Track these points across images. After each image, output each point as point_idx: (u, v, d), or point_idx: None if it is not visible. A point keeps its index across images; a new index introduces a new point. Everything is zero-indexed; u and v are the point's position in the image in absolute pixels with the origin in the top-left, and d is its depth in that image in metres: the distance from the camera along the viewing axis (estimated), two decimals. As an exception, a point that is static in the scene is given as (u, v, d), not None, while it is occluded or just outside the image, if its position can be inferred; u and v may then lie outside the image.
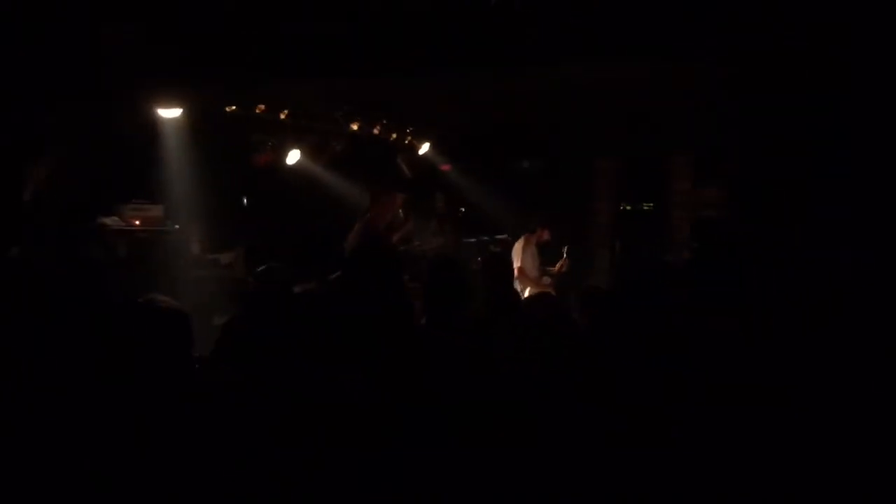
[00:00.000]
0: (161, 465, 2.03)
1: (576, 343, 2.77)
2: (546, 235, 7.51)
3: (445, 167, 9.94)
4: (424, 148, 9.64)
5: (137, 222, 6.39)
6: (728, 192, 8.29)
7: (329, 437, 2.22)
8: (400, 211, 6.90)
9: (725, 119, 7.25)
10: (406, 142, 9.45)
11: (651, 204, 9.56)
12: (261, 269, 4.51)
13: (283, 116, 7.51)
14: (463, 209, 8.61)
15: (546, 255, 7.62)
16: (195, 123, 6.84)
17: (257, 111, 7.23)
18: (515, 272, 7.28)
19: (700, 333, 3.08)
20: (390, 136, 8.96)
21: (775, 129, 6.43)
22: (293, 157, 7.81)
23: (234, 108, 7.10)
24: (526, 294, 7.21)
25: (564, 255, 7.56)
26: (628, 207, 9.70)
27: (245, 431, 2.39)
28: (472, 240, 8.85)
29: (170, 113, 6.31)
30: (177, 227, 6.57)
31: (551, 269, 7.60)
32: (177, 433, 2.08)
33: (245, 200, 7.91)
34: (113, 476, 1.98)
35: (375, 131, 8.73)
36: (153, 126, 6.75)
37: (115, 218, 6.34)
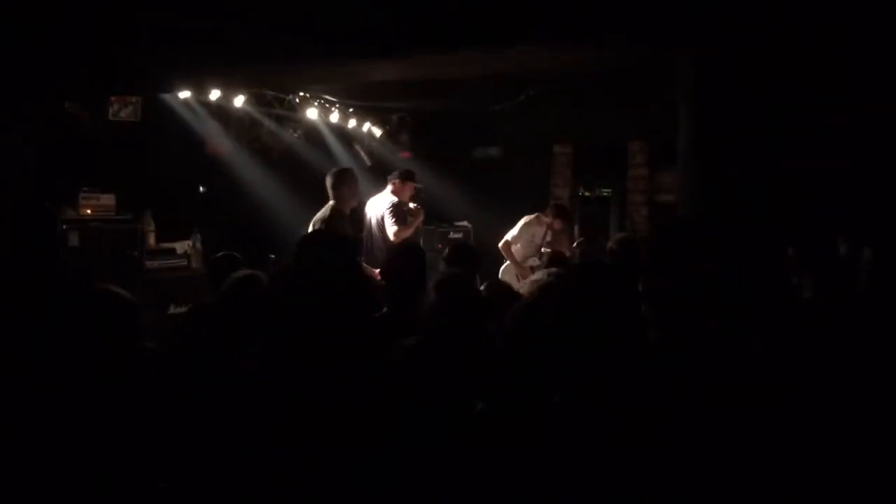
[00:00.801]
0: (107, 454, 1.99)
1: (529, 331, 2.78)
2: (557, 225, 7.33)
3: (404, 154, 9.91)
4: (382, 135, 9.61)
5: (89, 211, 6.25)
6: (684, 178, 8.38)
7: (284, 423, 2.20)
8: (411, 203, 6.68)
9: (682, 105, 7.33)
10: (364, 129, 9.40)
11: (609, 189, 9.63)
12: (218, 255, 4.45)
13: (238, 104, 7.42)
14: (421, 196, 8.57)
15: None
16: (148, 110, 6.73)
17: (211, 98, 7.13)
18: (501, 242, 7.26)
19: (657, 320, 3.11)
20: (348, 122, 8.91)
21: (731, 114, 6.51)
22: (248, 144, 7.73)
23: (187, 94, 6.99)
24: (502, 270, 7.22)
25: (575, 245, 7.40)
26: (587, 193, 9.76)
27: (199, 420, 2.36)
28: (431, 227, 8.84)
29: (123, 99, 6.19)
30: (130, 215, 6.45)
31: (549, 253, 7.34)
32: (121, 423, 2.05)
33: (201, 189, 7.80)
34: (59, 464, 1.95)
35: (333, 118, 8.67)
36: (105, 113, 6.64)
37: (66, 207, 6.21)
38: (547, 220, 7.29)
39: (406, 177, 6.68)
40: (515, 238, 7.23)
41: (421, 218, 6.68)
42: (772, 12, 5.43)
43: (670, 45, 6.13)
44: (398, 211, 6.47)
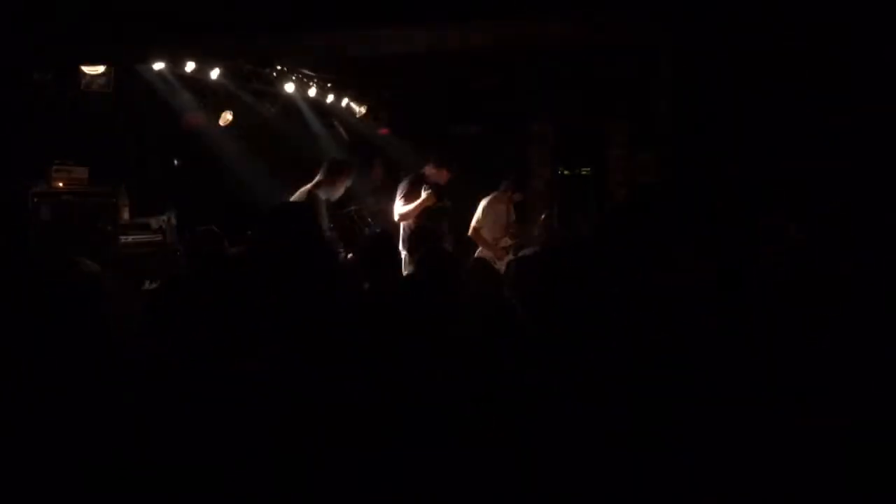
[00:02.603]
0: (74, 431, 1.96)
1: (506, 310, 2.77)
2: (517, 197, 7.33)
3: (383, 131, 9.82)
4: (361, 111, 9.50)
5: (61, 184, 6.14)
6: (663, 158, 8.39)
7: (257, 399, 2.17)
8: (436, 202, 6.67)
9: (661, 85, 7.31)
10: (343, 105, 9.29)
11: (588, 169, 9.62)
12: (196, 231, 4.40)
13: (213, 76, 7.29)
14: (407, 177, 8.50)
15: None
16: (121, 81, 6.60)
17: (187, 70, 6.99)
18: (470, 231, 7.23)
19: (628, 298, 3.10)
20: (326, 98, 8.80)
21: (709, 96, 6.51)
22: (225, 119, 7.61)
23: (162, 66, 6.85)
24: (477, 253, 7.19)
25: (542, 218, 7.39)
26: (566, 172, 9.74)
27: (173, 397, 2.33)
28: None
29: (93, 69, 6.05)
30: (103, 189, 6.34)
31: (525, 230, 7.35)
32: (88, 400, 2.01)
33: (176, 162, 7.68)
34: (27, 443, 1.91)
35: (311, 93, 8.56)
36: (77, 83, 6.50)
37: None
38: (505, 196, 7.28)
39: (441, 163, 6.68)
40: (480, 221, 7.21)
41: (423, 201, 6.52)
42: (754, 3, 5.43)
43: (650, 26, 6.11)
44: (407, 188, 6.55)
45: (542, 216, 7.29)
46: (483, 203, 7.28)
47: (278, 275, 2.46)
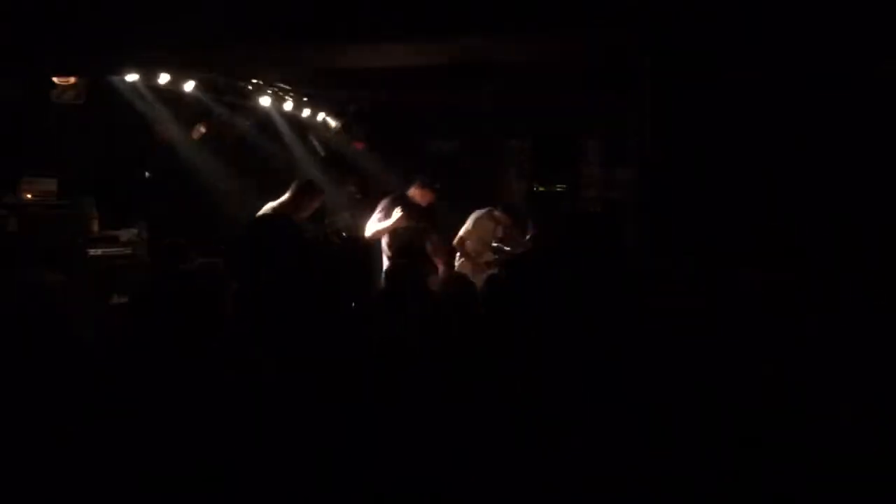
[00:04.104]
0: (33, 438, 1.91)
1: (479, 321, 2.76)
2: (506, 221, 7.34)
3: (359, 145, 9.80)
4: (337, 125, 9.47)
5: (29, 196, 6.04)
6: (637, 174, 8.43)
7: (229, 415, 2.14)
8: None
9: (635, 101, 7.35)
10: (319, 119, 9.26)
11: (564, 185, 9.67)
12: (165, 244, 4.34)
13: (187, 89, 7.23)
14: (381, 192, 8.51)
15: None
16: (92, 93, 6.53)
17: (160, 82, 6.93)
18: (456, 240, 7.26)
19: (599, 309, 3.09)
20: (302, 112, 8.77)
21: (684, 111, 6.55)
22: (198, 132, 7.55)
23: (135, 77, 6.79)
24: (460, 266, 7.21)
25: (529, 238, 7.40)
26: (541, 188, 9.78)
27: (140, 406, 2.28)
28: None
29: (65, 80, 5.98)
30: (71, 201, 6.25)
31: (504, 248, 7.36)
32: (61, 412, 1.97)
33: (147, 175, 7.59)
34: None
35: (287, 107, 8.52)
36: (46, 95, 6.42)
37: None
38: (497, 215, 7.33)
39: (425, 183, 6.76)
40: (469, 233, 7.25)
41: (395, 221, 6.56)
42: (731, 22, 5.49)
43: (624, 42, 6.15)
44: (387, 207, 6.61)
45: (528, 236, 7.32)
46: (474, 216, 7.33)
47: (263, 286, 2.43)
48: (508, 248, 7.20)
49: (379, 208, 6.69)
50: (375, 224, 6.64)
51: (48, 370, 2.09)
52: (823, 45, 5.58)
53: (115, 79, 6.83)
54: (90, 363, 2.54)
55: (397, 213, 6.51)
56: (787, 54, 5.75)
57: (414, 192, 6.75)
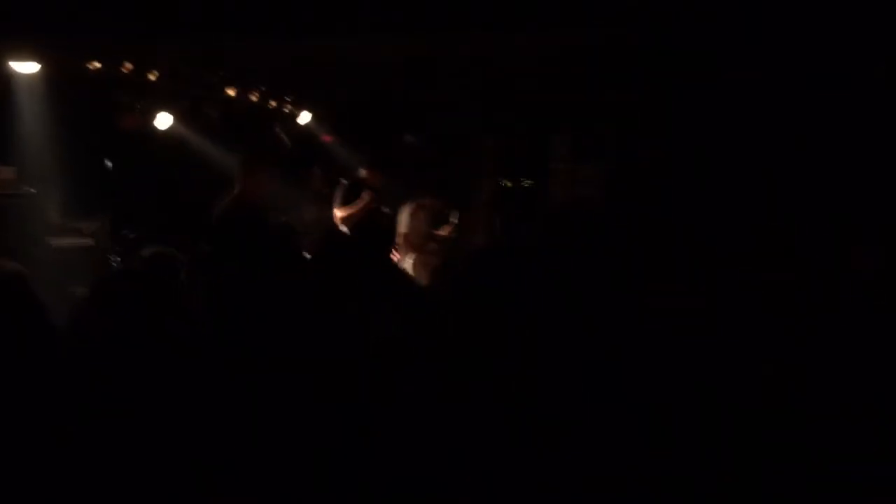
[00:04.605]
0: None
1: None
2: (433, 204, 7.44)
3: (326, 138, 9.73)
4: (305, 118, 9.39)
5: (-13, 185, 5.90)
6: (604, 171, 8.51)
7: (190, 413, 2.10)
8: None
9: (603, 99, 7.41)
10: (286, 110, 9.18)
11: (531, 181, 9.70)
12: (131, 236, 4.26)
13: (152, 78, 7.11)
14: (344, 181, 8.46)
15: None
16: (54, 80, 6.37)
17: (124, 70, 6.80)
18: (400, 238, 7.25)
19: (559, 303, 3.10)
20: (268, 103, 8.68)
21: (651, 109, 6.61)
22: (164, 121, 7.41)
23: (98, 65, 6.65)
24: (409, 260, 7.20)
25: (452, 222, 7.51)
26: (509, 184, 9.80)
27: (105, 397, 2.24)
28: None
29: (25, 67, 5.83)
30: (33, 191, 6.10)
31: (440, 233, 7.51)
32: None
33: (110, 165, 7.43)
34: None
35: (253, 98, 8.42)
36: (6, 81, 6.26)
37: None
38: (426, 203, 7.39)
39: (374, 164, 6.93)
40: (409, 228, 7.27)
41: (365, 204, 6.76)
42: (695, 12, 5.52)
43: (589, 40, 6.18)
44: (344, 191, 6.72)
45: (452, 220, 7.42)
46: (407, 210, 7.34)
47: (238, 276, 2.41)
48: (446, 234, 7.38)
49: (337, 195, 6.79)
50: (341, 210, 6.75)
51: (9, 359, 2.04)
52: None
53: (77, 66, 6.69)
54: (51, 353, 2.49)
55: (366, 195, 6.67)
56: (773, 52, 5.80)
57: (364, 175, 6.91)
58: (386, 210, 7.10)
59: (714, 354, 2.83)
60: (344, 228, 6.84)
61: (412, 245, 7.23)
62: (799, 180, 6.57)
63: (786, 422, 2.43)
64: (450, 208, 7.56)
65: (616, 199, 6.59)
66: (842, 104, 6.24)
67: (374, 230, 6.25)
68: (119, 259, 6.18)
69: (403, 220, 7.28)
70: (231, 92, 8.00)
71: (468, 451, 2.00)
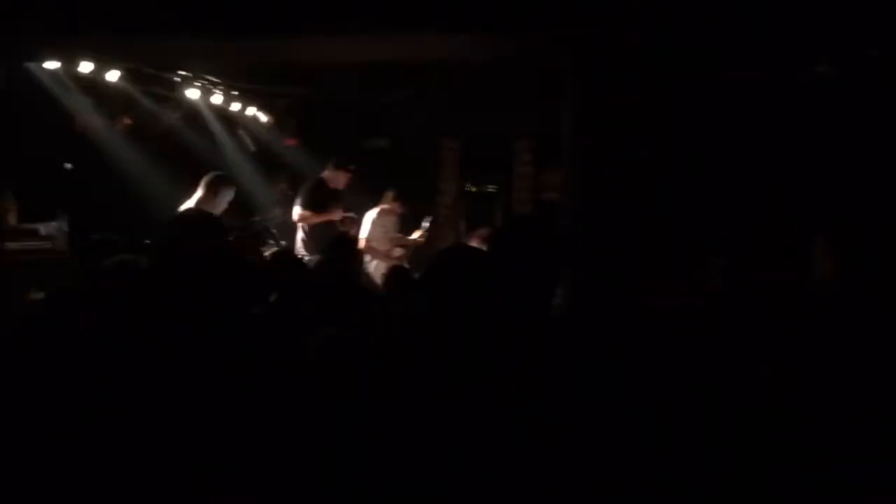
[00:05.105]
0: None
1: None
2: (399, 208, 7.45)
3: (290, 141, 9.67)
4: (268, 120, 9.34)
5: (-61, 186, 5.76)
6: (568, 175, 8.53)
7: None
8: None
9: (566, 102, 7.42)
10: (249, 113, 9.10)
11: (495, 186, 9.74)
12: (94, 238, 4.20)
13: (113, 78, 7.00)
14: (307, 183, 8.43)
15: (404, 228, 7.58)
16: (11, 80, 6.24)
17: (83, 71, 6.69)
18: (361, 244, 7.22)
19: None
20: (231, 105, 8.60)
21: (614, 112, 6.64)
22: (123, 123, 7.32)
23: (57, 65, 6.54)
24: (373, 266, 7.17)
25: (424, 226, 7.51)
26: (473, 189, 9.83)
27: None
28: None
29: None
30: (-12, 193, 5.98)
31: (408, 238, 7.51)
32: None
33: (67, 166, 7.31)
34: None
35: (216, 100, 8.34)
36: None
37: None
38: (391, 207, 7.40)
39: (339, 164, 6.92)
40: (371, 235, 7.25)
41: (332, 216, 6.80)
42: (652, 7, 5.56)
43: (548, 39, 6.19)
44: (307, 192, 6.76)
45: (424, 223, 7.45)
46: (369, 217, 7.33)
47: (188, 282, 2.38)
48: (413, 238, 7.40)
49: (302, 195, 6.81)
50: (302, 210, 6.76)
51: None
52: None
53: (34, 66, 6.57)
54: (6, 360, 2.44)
55: (338, 210, 6.76)
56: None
57: (329, 176, 6.91)
58: (351, 215, 7.10)
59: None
60: (301, 231, 6.84)
61: (374, 251, 7.22)
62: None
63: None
64: (420, 213, 7.57)
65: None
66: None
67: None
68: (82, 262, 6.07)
69: (366, 226, 7.26)
70: (193, 93, 7.91)
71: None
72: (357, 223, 7.18)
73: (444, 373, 2.09)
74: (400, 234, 7.50)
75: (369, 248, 7.22)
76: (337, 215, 6.75)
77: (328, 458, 2.03)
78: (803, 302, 3.73)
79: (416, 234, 7.56)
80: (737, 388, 2.63)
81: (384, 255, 7.24)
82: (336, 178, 6.88)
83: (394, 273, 4.91)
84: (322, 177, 6.92)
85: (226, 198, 5.89)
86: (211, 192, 5.80)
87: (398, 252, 7.37)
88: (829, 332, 3.07)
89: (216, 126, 8.74)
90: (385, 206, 7.42)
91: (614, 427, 2.15)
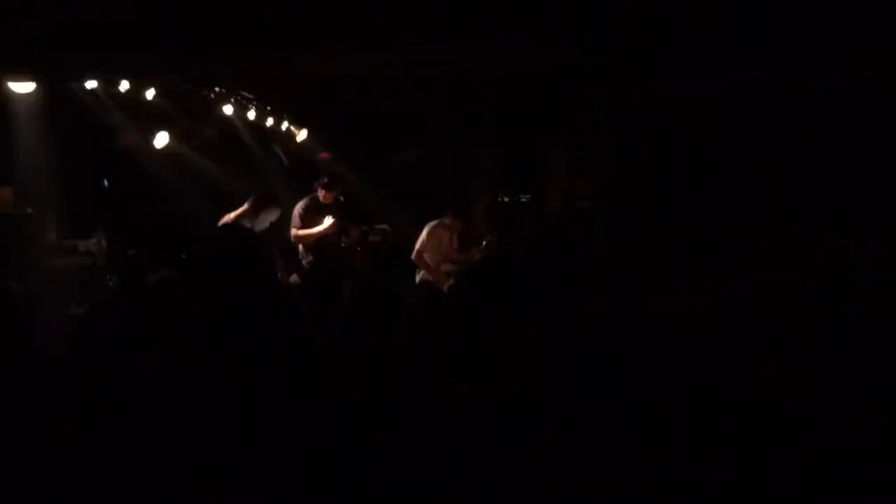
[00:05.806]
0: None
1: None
2: (458, 227, 7.44)
3: (323, 155, 9.73)
4: (302, 135, 9.40)
5: (-16, 205, 5.90)
6: (601, 185, 8.52)
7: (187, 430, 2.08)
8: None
9: (598, 114, 7.41)
10: (283, 128, 9.18)
11: (528, 195, 9.69)
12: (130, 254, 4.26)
13: (149, 97, 7.11)
14: (342, 198, 8.48)
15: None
16: (52, 99, 6.39)
17: (121, 89, 6.81)
18: (414, 254, 7.29)
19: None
20: (265, 121, 8.68)
21: (643, 124, 6.61)
22: (161, 140, 7.41)
23: (95, 84, 6.66)
24: (418, 277, 7.23)
25: (484, 244, 7.47)
26: (506, 199, 9.79)
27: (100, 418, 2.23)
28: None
29: (22, 87, 5.84)
30: (30, 210, 6.10)
31: (461, 255, 7.45)
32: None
33: (106, 184, 7.43)
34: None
35: (250, 116, 8.43)
36: (3, 101, 6.27)
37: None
38: (449, 223, 7.38)
39: (328, 186, 7.01)
40: (425, 245, 7.29)
41: (325, 229, 6.91)
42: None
43: (583, 55, 6.19)
44: (303, 211, 6.88)
45: (484, 241, 7.38)
46: (427, 228, 7.36)
47: (222, 293, 2.40)
48: (465, 258, 7.33)
49: (297, 213, 6.92)
50: (300, 230, 6.91)
51: (10, 380, 2.03)
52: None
53: (73, 85, 6.70)
54: (51, 373, 2.47)
55: (328, 221, 6.86)
56: (773, 52, 5.79)
57: (320, 194, 7.07)
58: (349, 227, 7.20)
59: (714, 354, 2.83)
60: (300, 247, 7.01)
61: (425, 263, 7.25)
62: (799, 180, 6.57)
63: (785, 422, 2.42)
64: (484, 229, 7.54)
65: (616, 199, 6.58)
66: (842, 104, 6.26)
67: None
68: (119, 278, 6.17)
69: (422, 237, 7.31)
70: (228, 109, 8.00)
71: (468, 451, 1.99)
72: (350, 231, 7.29)
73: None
74: (453, 249, 7.47)
75: (419, 259, 7.27)
76: (330, 228, 6.87)
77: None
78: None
79: (474, 251, 7.49)
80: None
81: (431, 267, 7.27)
82: (325, 196, 7.02)
83: (421, 286, 4.91)
84: (316, 194, 7.06)
85: (270, 217, 6.07)
86: (255, 208, 5.93)
87: (447, 267, 7.35)
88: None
89: (251, 141, 8.84)
90: (446, 220, 7.43)
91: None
